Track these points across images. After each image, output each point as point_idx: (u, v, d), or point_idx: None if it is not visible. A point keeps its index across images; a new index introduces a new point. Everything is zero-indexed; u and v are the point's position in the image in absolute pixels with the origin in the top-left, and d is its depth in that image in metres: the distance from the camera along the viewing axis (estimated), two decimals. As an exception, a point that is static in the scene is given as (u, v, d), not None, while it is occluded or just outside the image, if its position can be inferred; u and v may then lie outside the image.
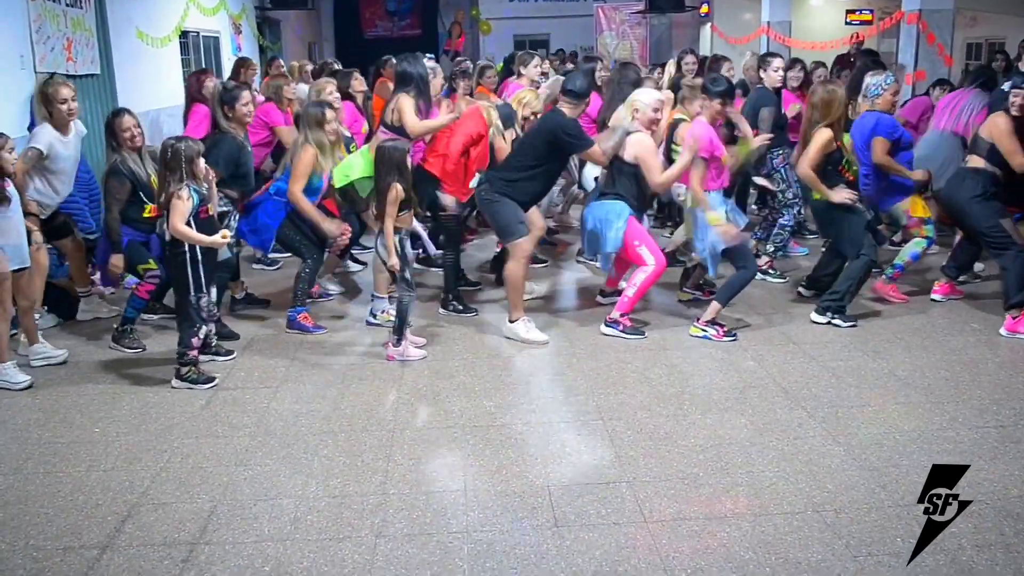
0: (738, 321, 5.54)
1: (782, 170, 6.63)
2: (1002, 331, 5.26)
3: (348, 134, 6.19)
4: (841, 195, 5.34)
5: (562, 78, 6.40)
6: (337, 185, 5.50)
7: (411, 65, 5.91)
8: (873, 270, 5.71)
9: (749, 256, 5.47)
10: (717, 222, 5.18)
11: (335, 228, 5.50)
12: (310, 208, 5.36)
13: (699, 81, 5.99)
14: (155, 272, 5.25)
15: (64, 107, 5.31)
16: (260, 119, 6.67)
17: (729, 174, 5.53)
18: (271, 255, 7.22)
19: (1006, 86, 5.91)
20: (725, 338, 5.24)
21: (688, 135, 5.26)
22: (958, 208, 5.58)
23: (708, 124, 5.25)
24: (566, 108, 5.29)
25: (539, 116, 5.92)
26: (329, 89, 6.30)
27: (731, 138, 5.69)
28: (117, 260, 5.21)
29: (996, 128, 5.40)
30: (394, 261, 4.92)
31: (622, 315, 5.38)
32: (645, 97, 5.33)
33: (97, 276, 5.92)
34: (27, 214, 5.14)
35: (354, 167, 5.39)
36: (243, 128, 5.75)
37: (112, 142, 5.24)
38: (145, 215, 5.16)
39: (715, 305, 5.33)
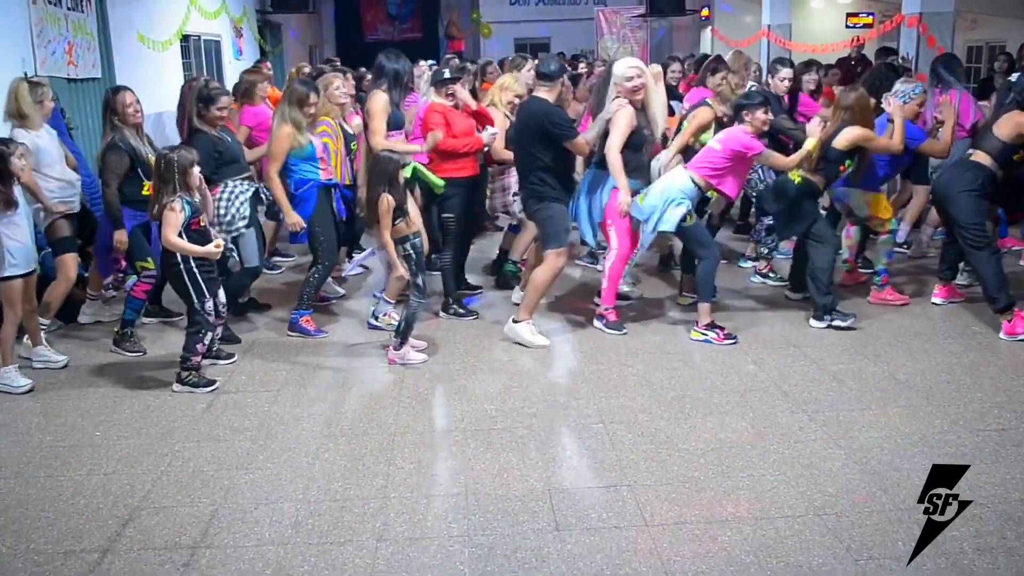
0: (736, 325, 5.54)
1: (759, 170, 6.60)
2: (1001, 335, 5.25)
3: (351, 131, 6.19)
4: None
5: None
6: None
7: (388, 60, 5.93)
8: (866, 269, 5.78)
9: (705, 240, 5.47)
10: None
11: (298, 222, 5.41)
12: (281, 194, 5.35)
13: (738, 82, 6.16)
14: (151, 272, 5.25)
15: (51, 104, 5.45)
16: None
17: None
18: (274, 259, 7.24)
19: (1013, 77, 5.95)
20: (726, 341, 5.24)
21: (730, 140, 5.29)
22: (947, 197, 5.52)
23: (751, 134, 5.27)
24: (543, 92, 5.34)
25: (522, 98, 5.96)
26: (336, 84, 6.14)
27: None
28: (121, 236, 5.21)
29: (1022, 127, 5.29)
30: (401, 272, 4.92)
31: (607, 308, 5.48)
32: (618, 69, 5.32)
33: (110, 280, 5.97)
34: (58, 219, 5.18)
35: None
36: (214, 128, 5.53)
37: (112, 119, 5.25)
38: (144, 193, 5.12)
39: (703, 306, 5.35)
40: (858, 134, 5.41)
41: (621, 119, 5.18)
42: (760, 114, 5.28)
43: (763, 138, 5.51)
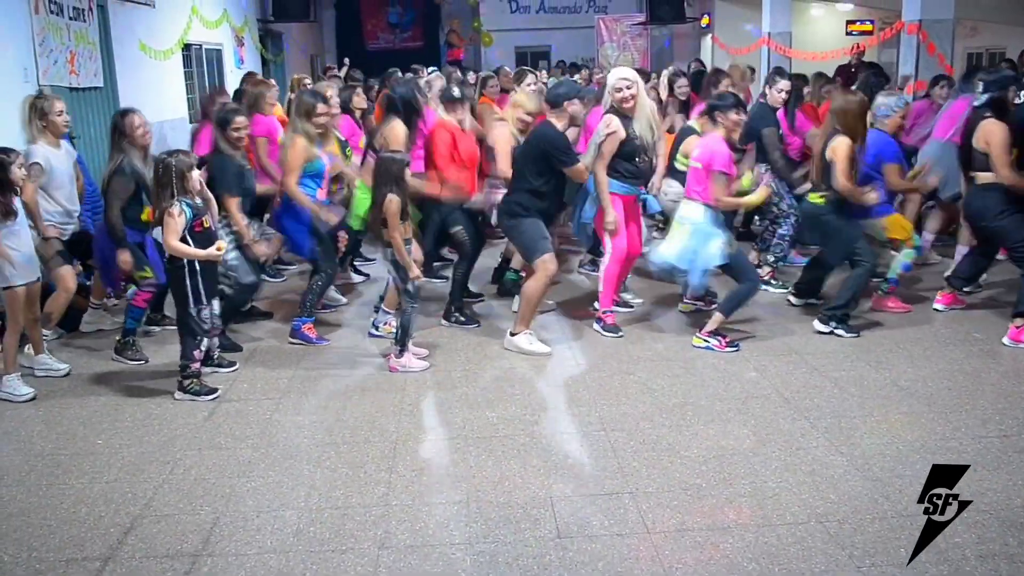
0: (739, 332, 5.54)
1: (773, 183, 6.60)
2: (1005, 340, 5.25)
3: (342, 138, 6.20)
4: (873, 196, 5.39)
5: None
6: (356, 228, 5.76)
7: (397, 87, 5.99)
8: (873, 279, 5.74)
9: (750, 269, 5.49)
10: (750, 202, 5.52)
11: (333, 217, 5.46)
12: (305, 199, 5.37)
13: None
14: (151, 281, 5.26)
15: (60, 119, 5.46)
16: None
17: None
18: (277, 266, 7.24)
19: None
20: (728, 349, 5.24)
21: (703, 150, 5.29)
22: (987, 229, 5.57)
23: (723, 140, 5.27)
24: (552, 117, 5.36)
25: (533, 116, 5.97)
26: (330, 93, 6.18)
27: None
28: (126, 256, 5.22)
29: (992, 136, 5.33)
30: (416, 273, 4.92)
31: (605, 311, 5.53)
32: (609, 80, 5.41)
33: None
34: (47, 239, 5.19)
35: (363, 204, 5.50)
36: (237, 150, 5.64)
37: (120, 141, 5.26)
38: (143, 217, 5.16)
39: (718, 316, 5.34)
40: (838, 146, 5.31)
41: (607, 145, 5.25)
42: (732, 115, 5.28)
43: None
